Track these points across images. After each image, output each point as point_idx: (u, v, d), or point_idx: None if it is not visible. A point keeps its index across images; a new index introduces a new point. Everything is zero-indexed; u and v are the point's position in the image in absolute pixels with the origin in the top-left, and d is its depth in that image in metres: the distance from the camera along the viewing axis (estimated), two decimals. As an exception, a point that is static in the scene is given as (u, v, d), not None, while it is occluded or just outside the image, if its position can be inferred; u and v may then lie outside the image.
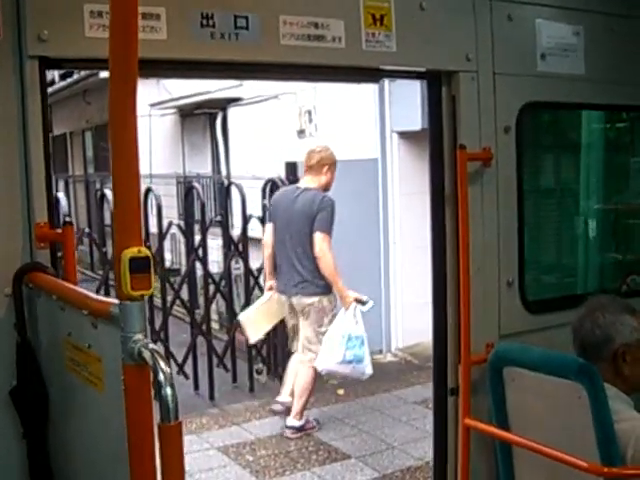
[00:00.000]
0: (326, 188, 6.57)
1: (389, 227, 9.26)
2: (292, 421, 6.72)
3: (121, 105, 1.87)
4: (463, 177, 3.51)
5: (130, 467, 1.94)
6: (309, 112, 9.94)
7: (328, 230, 6.40)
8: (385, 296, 9.19)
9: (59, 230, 2.77)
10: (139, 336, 1.89)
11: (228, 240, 8.74)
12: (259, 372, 8.62)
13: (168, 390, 1.77)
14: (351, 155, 8.61)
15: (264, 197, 8.35)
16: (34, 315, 2.70)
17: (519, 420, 3.47)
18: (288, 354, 8.47)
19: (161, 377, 1.78)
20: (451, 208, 3.64)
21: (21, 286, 2.66)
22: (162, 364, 1.81)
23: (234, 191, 8.86)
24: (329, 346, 6.41)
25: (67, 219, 2.80)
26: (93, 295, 2.23)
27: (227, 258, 8.65)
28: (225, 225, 8.92)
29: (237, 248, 8.53)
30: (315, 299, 6.52)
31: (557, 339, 3.58)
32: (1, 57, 2.67)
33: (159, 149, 13.23)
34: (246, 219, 8.42)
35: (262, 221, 8.37)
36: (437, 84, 3.62)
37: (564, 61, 3.92)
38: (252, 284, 8.52)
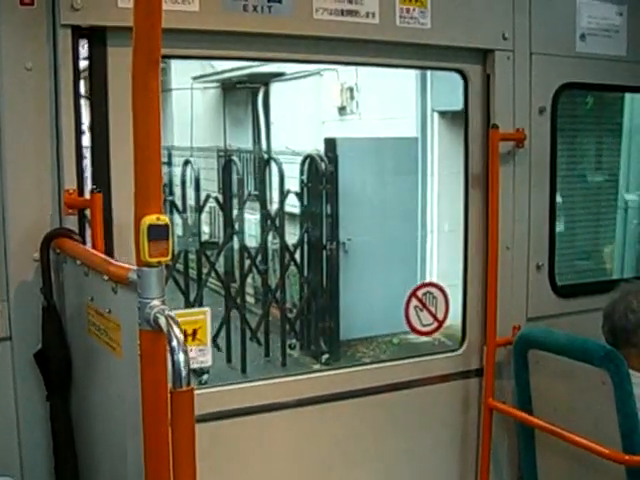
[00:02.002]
0: None
1: (427, 206, 9.20)
2: None
3: (143, 75, 1.87)
4: (495, 157, 3.47)
5: (144, 433, 1.97)
6: (351, 89, 9.89)
7: None
8: (421, 276, 9.15)
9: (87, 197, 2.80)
10: (156, 302, 1.90)
11: (265, 215, 8.77)
12: (292, 347, 8.66)
13: (181, 356, 1.78)
14: (391, 133, 8.57)
15: (302, 173, 8.35)
16: (60, 280, 2.75)
17: (542, 403, 3.45)
18: (322, 330, 8.51)
19: (174, 343, 1.79)
20: (481, 188, 3.61)
21: (48, 251, 2.70)
22: (176, 330, 1.81)
23: (273, 166, 8.87)
24: None
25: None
26: (113, 261, 2.26)
27: (264, 233, 8.67)
28: (263, 200, 8.94)
29: (274, 223, 8.55)
30: None
31: (586, 324, 3.55)
32: (34, 26, 2.70)
33: (200, 122, 13.27)
34: (284, 194, 8.43)
35: (299, 197, 8.38)
36: None
37: (605, 42, 3.85)
38: (287, 259, 8.54)
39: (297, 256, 8.60)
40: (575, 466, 3.32)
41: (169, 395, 1.81)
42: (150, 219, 1.88)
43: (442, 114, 9.03)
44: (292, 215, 8.70)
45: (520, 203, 3.65)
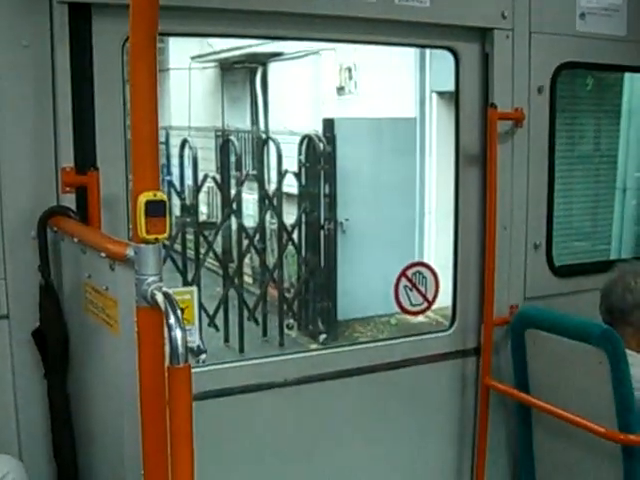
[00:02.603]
0: None
1: (425, 187, 9.20)
2: None
3: (141, 52, 1.86)
4: (493, 136, 3.46)
5: (141, 409, 1.97)
6: (349, 69, 9.86)
7: None
8: (418, 256, 9.16)
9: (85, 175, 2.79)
10: (153, 279, 1.90)
11: (263, 195, 8.76)
12: (290, 327, 8.68)
13: (178, 333, 1.77)
14: (389, 113, 8.56)
15: (300, 153, 8.34)
16: (58, 258, 2.74)
17: (539, 382, 3.46)
18: (320, 310, 8.53)
19: (172, 320, 1.79)
20: (478, 168, 3.60)
21: (46, 229, 2.70)
22: (174, 307, 1.82)
23: (271, 146, 8.86)
24: None
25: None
26: (111, 238, 2.25)
27: (262, 212, 8.67)
28: (261, 180, 8.93)
29: (272, 203, 8.54)
30: None
31: (584, 303, 3.56)
32: (31, 3, 2.67)
33: (199, 102, 13.24)
34: (282, 174, 8.41)
35: (297, 177, 8.38)
36: None
37: (605, 21, 3.82)
38: (285, 239, 8.55)
39: (295, 236, 8.61)
40: (571, 445, 3.34)
41: (166, 372, 1.81)
42: (147, 195, 1.87)
43: (441, 94, 9.01)
44: (290, 195, 8.70)
45: (518, 183, 3.64)
